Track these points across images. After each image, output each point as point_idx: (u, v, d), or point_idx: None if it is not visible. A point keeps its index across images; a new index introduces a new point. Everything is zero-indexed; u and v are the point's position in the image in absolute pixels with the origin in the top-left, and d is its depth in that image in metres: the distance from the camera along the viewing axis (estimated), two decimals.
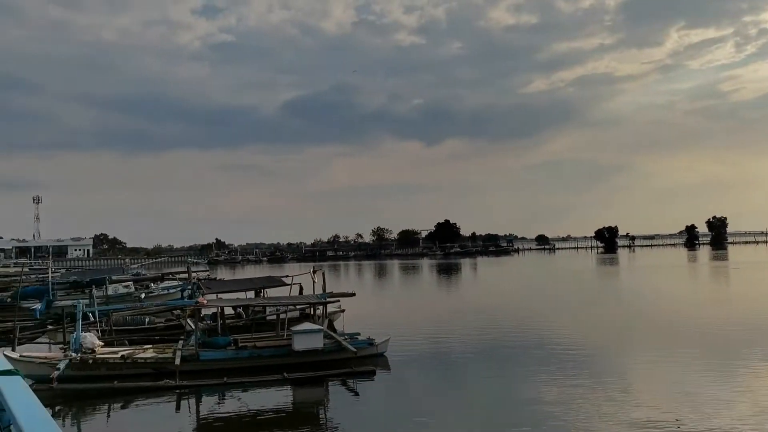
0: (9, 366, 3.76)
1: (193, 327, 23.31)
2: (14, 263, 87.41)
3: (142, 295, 37.25)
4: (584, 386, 16.41)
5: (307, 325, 19.59)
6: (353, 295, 26.01)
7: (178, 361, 17.46)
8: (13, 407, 3.07)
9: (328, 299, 20.68)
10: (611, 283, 56.02)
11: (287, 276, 28.57)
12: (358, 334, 21.06)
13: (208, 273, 53.31)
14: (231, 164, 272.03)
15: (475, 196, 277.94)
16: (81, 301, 19.98)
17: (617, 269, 74.59)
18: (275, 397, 16.79)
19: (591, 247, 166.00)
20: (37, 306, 31.68)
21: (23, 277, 47.91)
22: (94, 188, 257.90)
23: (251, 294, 27.94)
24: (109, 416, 15.90)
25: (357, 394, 17.14)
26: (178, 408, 16.27)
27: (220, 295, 24.05)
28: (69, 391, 16.67)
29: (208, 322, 24.02)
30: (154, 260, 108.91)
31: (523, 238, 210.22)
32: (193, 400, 16.82)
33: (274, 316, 23.38)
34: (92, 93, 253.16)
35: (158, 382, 16.88)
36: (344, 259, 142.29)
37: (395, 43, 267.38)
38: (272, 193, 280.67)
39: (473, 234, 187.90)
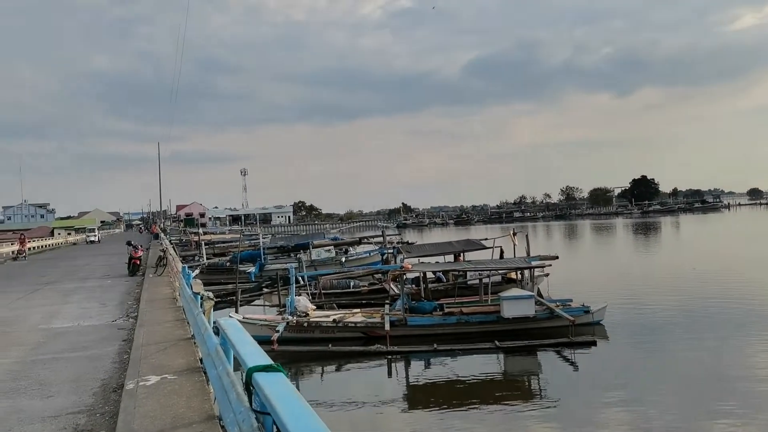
0: (266, 360, 3.11)
1: (396, 291, 23.44)
2: (229, 230, 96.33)
3: (343, 259, 38.67)
4: None
5: (516, 291, 18.48)
6: (556, 258, 24.39)
7: (387, 327, 17.31)
8: (281, 412, 2.34)
9: (536, 263, 19.32)
10: None
11: (486, 239, 27.61)
12: (570, 300, 19.52)
13: (400, 237, 54.05)
14: (414, 129, 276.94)
15: (673, 148, 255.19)
16: (292, 265, 20.64)
17: None
18: (485, 366, 16.01)
19: None
20: (252, 269, 33.91)
21: (237, 244, 52.59)
22: (292, 159, 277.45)
23: (450, 258, 27.55)
24: (323, 378, 16.17)
25: (575, 366, 15.78)
26: (389, 373, 16.14)
27: (420, 259, 23.77)
28: (287, 353, 17.21)
29: (411, 286, 23.94)
30: (347, 225, 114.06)
31: (731, 193, 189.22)
32: (402, 365, 16.58)
33: (476, 281, 22.65)
34: (287, 70, 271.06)
35: (370, 347, 16.83)
36: (532, 220, 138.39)
37: None
38: (455, 156, 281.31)
39: (674, 190, 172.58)
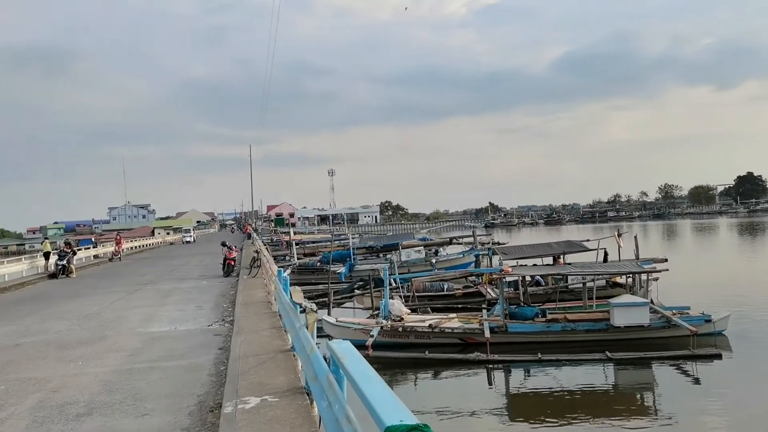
0: (405, 413, 2.32)
1: (494, 295, 22.37)
2: (317, 230, 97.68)
3: (433, 260, 37.82)
4: None
5: (628, 298, 17.03)
6: (665, 261, 22.60)
7: (488, 334, 16.34)
8: None
9: (650, 268, 17.73)
10: None
11: (587, 240, 26.02)
12: (688, 308, 17.84)
13: (491, 237, 52.59)
14: (501, 128, 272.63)
15: None
16: (385, 267, 20.01)
17: None
18: (594, 378, 14.79)
19: None
20: (342, 270, 33.66)
21: (327, 244, 52.82)
22: (378, 159, 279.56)
23: (548, 260, 26.17)
24: (418, 385, 15.45)
25: (697, 381, 14.24)
26: (489, 382, 15.20)
27: (519, 262, 22.59)
28: (382, 359, 16.57)
29: (509, 289, 22.82)
30: (434, 225, 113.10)
31: None
32: (502, 375, 15.57)
33: (578, 285, 21.28)
34: (373, 72, 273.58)
35: (469, 355, 15.91)
36: (627, 220, 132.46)
37: None
38: (543, 154, 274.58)
39: None
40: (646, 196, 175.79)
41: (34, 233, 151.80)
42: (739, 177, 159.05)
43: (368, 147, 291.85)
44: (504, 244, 48.05)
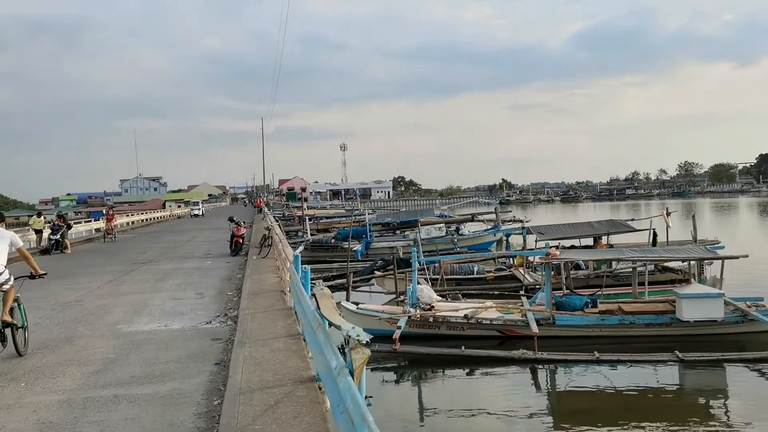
0: None
1: (531, 280, 20.04)
2: (330, 204, 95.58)
3: (455, 238, 35.47)
4: None
5: (698, 288, 14.63)
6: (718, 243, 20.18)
7: (535, 328, 14.01)
8: None
9: (724, 253, 15.27)
10: None
11: (632, 219, 23.54)
12: (761, 299, 15.38)
13: (513, 215, 50.06)
14: (516, 104, 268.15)
15: None
16: (411, 246, 17.66)
17: None
18: (662, 383, 12.49)
19: None
20: (357, 247, 31.48)
21: (340, 219, 50.58)
22: (391, 134, 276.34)
23: (587, 241, 23.80)
24: (452, 384, 13.27)
25: None
26: (536, 384, 12.99)
27: (561, 243, 20.24)
28: (411, 355, 14.35)
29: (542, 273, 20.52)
30: (453, 201, 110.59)
31: None
32: (550, 375, 13.31)
33: (626, 269, 18.93)
34: (387, 46, 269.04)
35: (513, 352, 13.60)
36: (646, 198, 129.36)
37: None
38: (558, 131, 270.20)
39: None
40: (665, 173, 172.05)
41: (46, 204, 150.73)
42: (761, 155, 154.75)
43: (381, 122, 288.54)
44: (522, 221, 45.82)
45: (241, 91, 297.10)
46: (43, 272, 8.15)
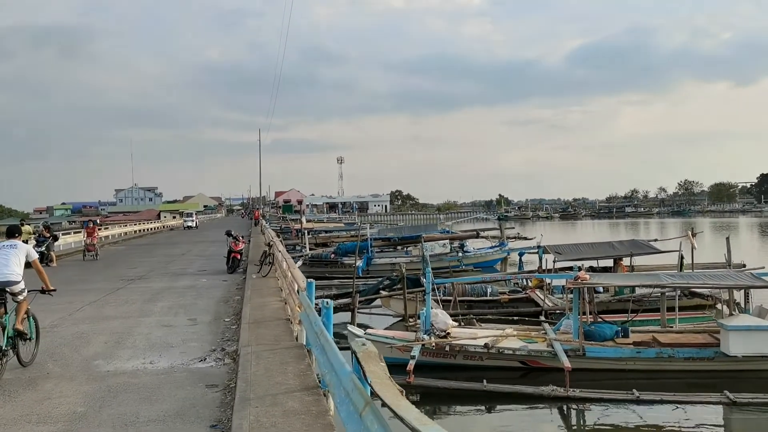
0: None
1: (549, 304, 18.64)
2: (327, 218, 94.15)
3: (459, 254, 34.06)
4: None
5: (747, 319, 13.22)
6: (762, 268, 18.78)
7: (565, 361, 12.56)
8: None
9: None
10: None
11: (654, 240, 22.19)
12: None
13: (517, 232, 48.64)
14: (514, 119, 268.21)
15: None
16: (426, 267, 16.20)
17: None
18: (709, 426, 11.11)
19: None
20: (359, 263, 30.00)
21: (339, 234, 49.06)
22: (389, 148, 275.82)
23: (605, 261, 22.46)
24: (469, 424, 11.87)
25: None
26: (568, 427, 11.59)
27: (584, 263, 18.86)
28: (427, 389, 12.90)
29: (563, 296, 19.12)
30: (457, 216, 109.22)
31: None
32: (582, 415, 11.91)
33: (650, 294, 17.56)
34: (387, 60, 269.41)
35: (542, 389, 12.15)
36: (645, 216, 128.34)
37: None
38: (554, 147, 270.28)
39: None
40: (665, 191, 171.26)
41: (40, 213, 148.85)
42: (762, 175, 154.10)
43: (379, 135, 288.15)
44: (527, 238, 44.44)
45: (239, 103, 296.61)
46: (53, 288, 8.44)
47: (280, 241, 24.51)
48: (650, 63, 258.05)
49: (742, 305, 14.88)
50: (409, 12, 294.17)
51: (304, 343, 7.25)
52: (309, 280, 7.54)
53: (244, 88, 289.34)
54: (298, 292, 8.41)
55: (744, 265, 22.07)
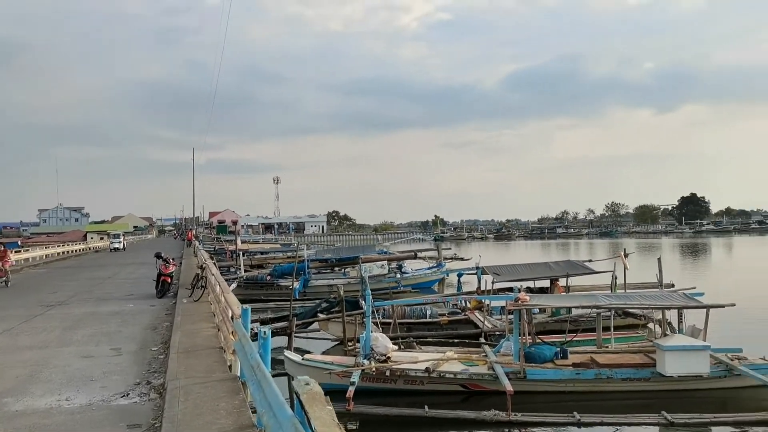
0: None
1: (489, 325, 18.56)
2: (262, 239, 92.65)
3: (397, 275, 33.86)
4: None
5: (681, 339, 13.44)
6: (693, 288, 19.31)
7: (508, 385, 12.38)
8: None
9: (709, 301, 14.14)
10: None
11: (589, 260, 22.58)
12: (740, 350, 14.31)
13: (454, 253, 48.97)
14: (450, 141, 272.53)
15: (720, 167, 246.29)
16: (365, 289, 15.81)
17: None
18: None
19: None
20: (295, 285, 29.31)
21: (275, 255, 48.04)
22: (326, 169, 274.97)
23: (542, 282, 22.69)
24: None
25: None
26: None
27: (521, 284, 18.91)
28: (367, 416, 12.48)
29: (501, 317, 19.09)
30: (397, 237, 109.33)
31: None
32: None
33: (583, 314, 17.78)
34: (325, 80, 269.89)
35: (484, 414, 11.93)
36: (575, 237, 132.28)
37: (620, 5, 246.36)
38: (489, 169, 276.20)
39: (727, 209, 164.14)
40: (593, 213, 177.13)
41: None
42: (683, 198, 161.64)
43: (316, 156, 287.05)
44: (459, 258, 44.75)
45: (172, 121, 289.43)
46: None
47: (214, 263, 23.63)
48: (580, 90, 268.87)
49: (675, 325, 15.18)
50: (347, 35, 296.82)
51: (239, 375, 6.73)
52: (244, 306, 7.04)
53: (179, 106, 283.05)
54: (232, 318, 7.89)
55: (673, 285, 22.70)
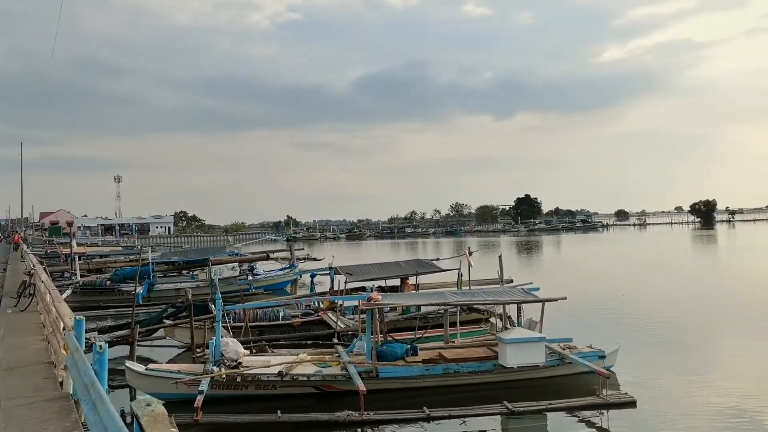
0: None
1: (341, 326, 18.65)
2: (102, 241, 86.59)
3: (249, 277, 33.15)
4: None
5: (520, 332, 14.33)
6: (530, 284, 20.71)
7: (360, 384, 12.50)
8: None
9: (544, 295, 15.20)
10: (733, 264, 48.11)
11: (437, 259, 23.48)
12: (570, 339, 15.58)
13: (307, 253, 48.87)
14: (301, 142, 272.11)
15: (550, 170, 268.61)
16: (216, 293, 15.25)
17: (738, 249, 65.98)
18: None
19: (686, 223, 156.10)
20: (139, 290, 27.72)
21: (117, 258, 45.07)
22: (172, 168, 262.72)
23: (393, 281, 23.27)
24: None
25: None
26: None
27: (372, 283, 19.24)
28: (217, 426, 12.04)
29: (353, 317, 19.30)
30: (250, 238, 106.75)
31: (596, 213, 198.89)
32: None
33: (431, 311, 18.51)
34: (171, 76, 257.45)
35: (337, 415, 11.96)
36: (423, 236, 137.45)
37: (463, 16, 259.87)
38: (340, 170, 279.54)
39: (556, 209, 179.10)
40: (439, 213, 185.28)
41: None
42: (518, 199, 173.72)
43: (162, 154, 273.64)
44: (312, 259, 44.81)
45: None
46: None
47: (44, 268, 21.63)
48: (427, 95, 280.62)
49: (514, 318, 16.20)
50: (193, 30, 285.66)
51: (71, 393, 6.14)
52: (78, 316, 6.45)
53: (4, 97, 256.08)
54: (63, 330, 7.20)
55: (512, 281, 24.22)
